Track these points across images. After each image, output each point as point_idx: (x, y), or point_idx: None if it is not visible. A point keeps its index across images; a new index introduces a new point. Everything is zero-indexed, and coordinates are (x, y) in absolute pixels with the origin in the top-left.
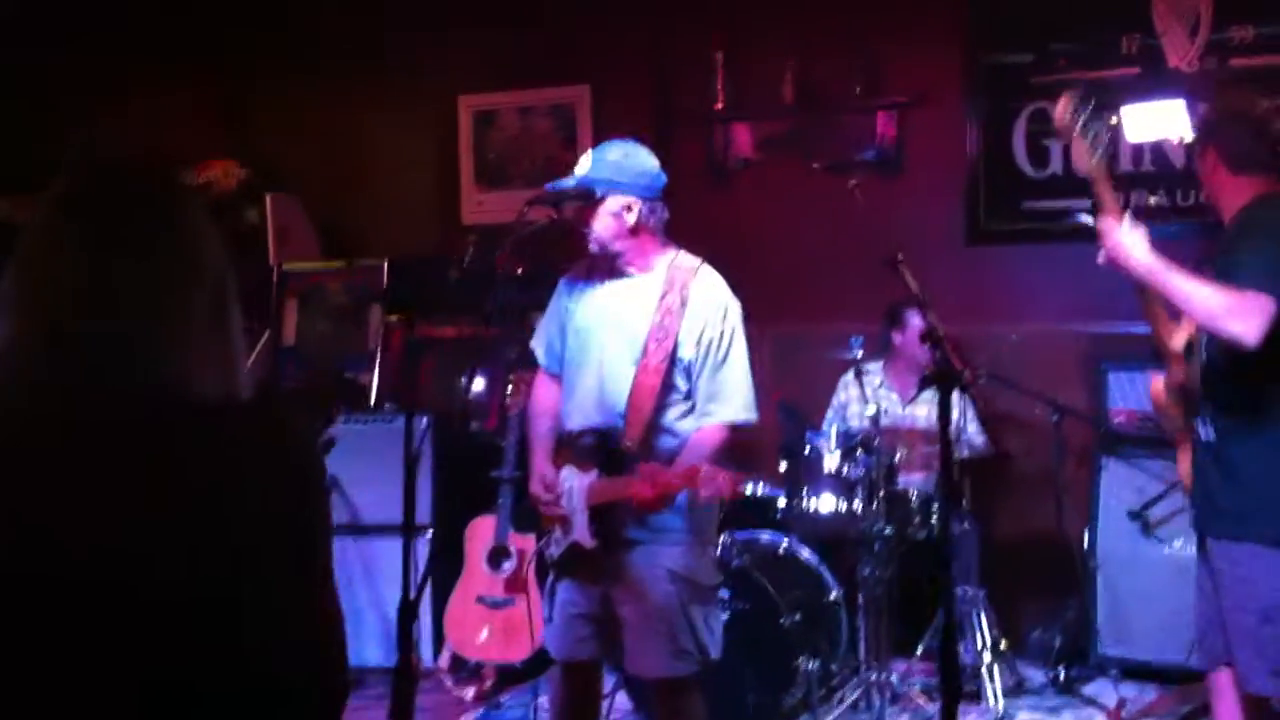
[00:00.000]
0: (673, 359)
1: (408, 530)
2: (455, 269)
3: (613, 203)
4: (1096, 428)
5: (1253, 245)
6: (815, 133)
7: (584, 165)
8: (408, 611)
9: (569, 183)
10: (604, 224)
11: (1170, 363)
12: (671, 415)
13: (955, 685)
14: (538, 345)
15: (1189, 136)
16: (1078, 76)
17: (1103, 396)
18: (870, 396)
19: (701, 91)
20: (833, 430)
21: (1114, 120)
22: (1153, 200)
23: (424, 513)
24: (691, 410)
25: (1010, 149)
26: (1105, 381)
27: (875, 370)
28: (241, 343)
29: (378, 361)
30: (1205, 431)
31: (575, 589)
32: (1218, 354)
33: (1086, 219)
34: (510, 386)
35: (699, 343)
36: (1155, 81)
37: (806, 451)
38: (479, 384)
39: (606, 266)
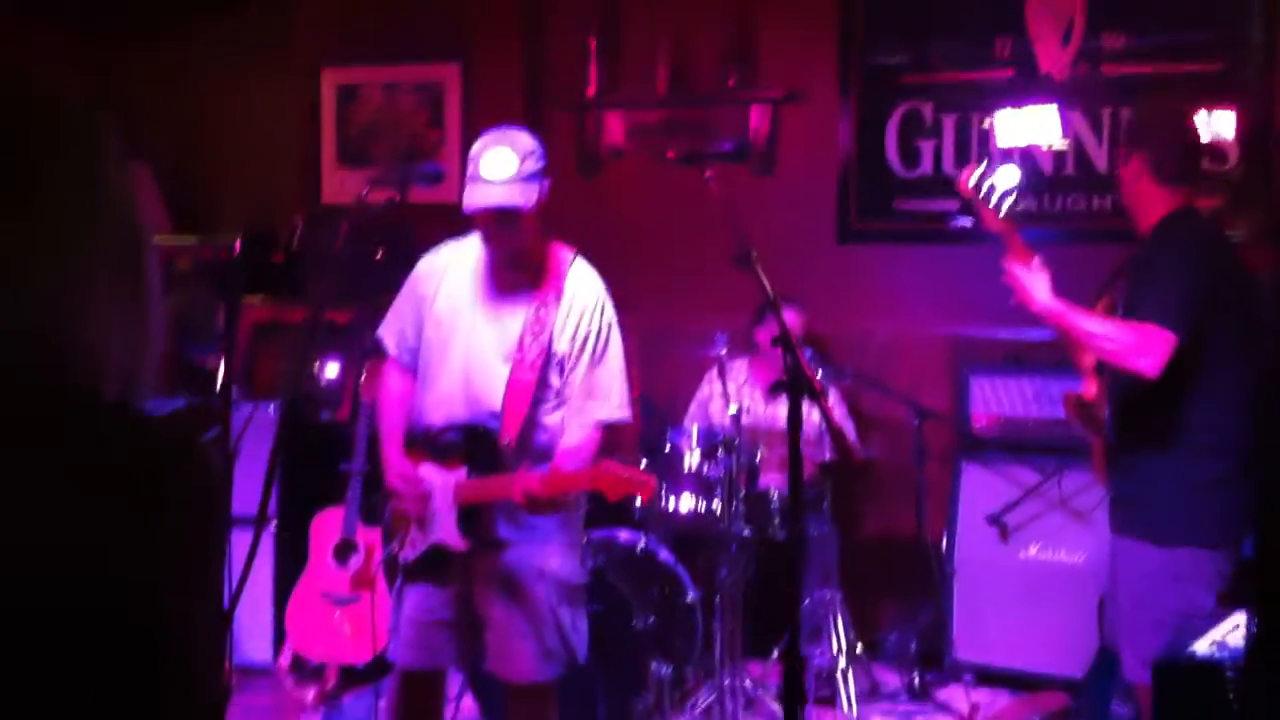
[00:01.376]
0: (548, 355)
1: (258, 528)
2: (281, 249)
3: (542, 197)
4: (957, 431)
5: (1162, 274)
6: (688, 124)
7: (505, 187)
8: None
9: (493, 197)
10: (531, 221)
11: (1085, 377)
12: (545, 412)
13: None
14: (387, 334)
15: (1058, 143)
16: (950, 78)
17: (964, 400)
18: (733, 395)
19: (574, 77)
20: (694, 428)
21: (1016, 178)
22: (1020, 205)
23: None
24: (561, 405)
25: (882, 148)
26: (967, 385)
27: (739, 368)
28: (157, 314)
29: (226, 345)
30: (1111, 435)
31: (431, 593)
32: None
33: (966, 222)
34: (364, 374)
35: (575, 338)
36: (1028, 87)
37: (667, 449)
38: (331, 370)
39: (476, 254)
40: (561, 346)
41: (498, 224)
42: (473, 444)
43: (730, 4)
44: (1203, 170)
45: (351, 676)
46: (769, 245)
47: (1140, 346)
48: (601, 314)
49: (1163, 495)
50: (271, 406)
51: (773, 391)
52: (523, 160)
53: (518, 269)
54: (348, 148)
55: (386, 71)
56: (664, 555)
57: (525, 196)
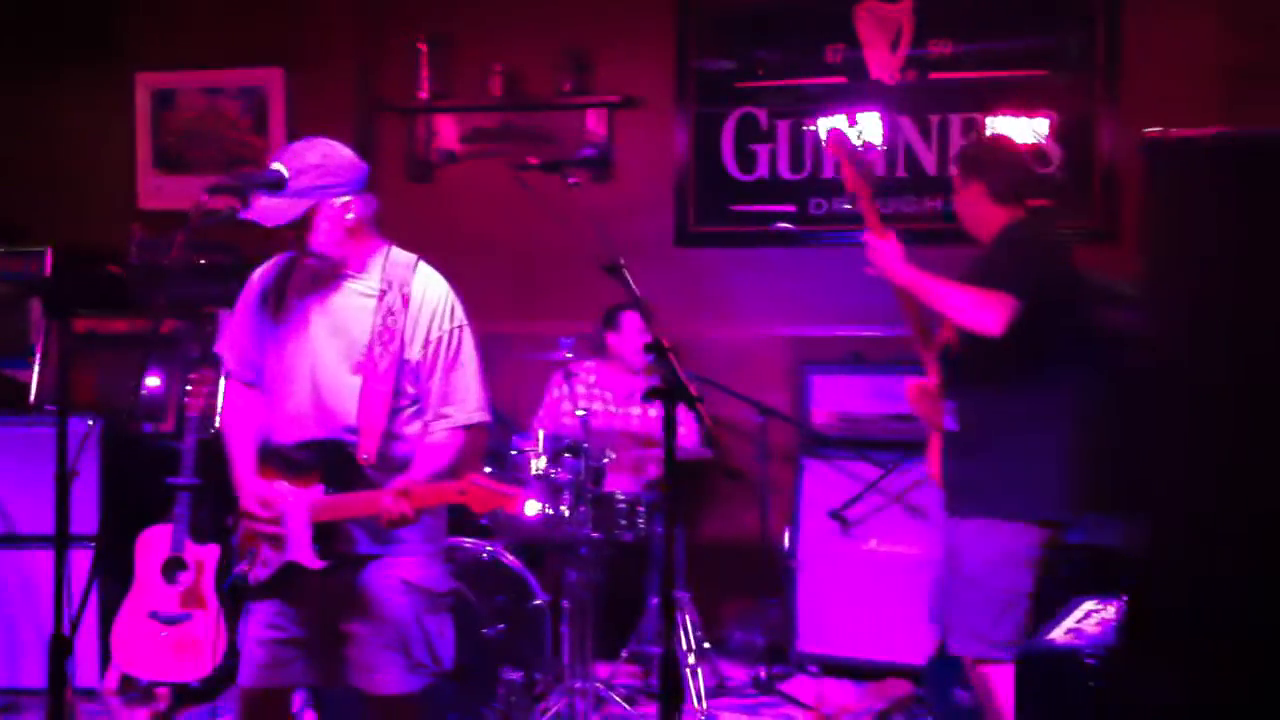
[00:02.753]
0: (400, 363)
1: (60, 548)
2: (117, 261)
3: (329, 208)
4: (799, 429)
5: (1005, 254)
6: (523, 129)
7: (278, 202)
8: (60, 645)
9: (254, 211)
10: (325, 233)
11: (926, 367)
12: (402, 421)
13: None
14: (227, 351)
15: (878, 144)
16: (783, 84)
17: (804, 398)
18: (583, 398)
19: (404, 81)
20: (540, 434)
21: (878, 143)
22: (848, 206)
23: (88, 523)
24: (419, 414)
25: (719, 153)
26: (807, 383)
27: (588, 371)
28: None
29: (39, 357)
30: (949, 422)
31: (281, 611)
32: (962, 356)
33: (786, 226)
34: (189, 386)
35: (426, 344)
36: (859, 93)
37: (513, 454)
38: (153, 383)
39: (314, 266)
40: (414, 354)
41: (297, 232)
42: (329, 460)
43: (566, 9)
44: (1033, 182)
45: (185, 696)
46: (618, 253)
47: (986, 305)
48: (451, 316)
49: (997, 474)
50: (90, 420)
51: (647, 398)
52: (312, 155)
53: (358, 278)
54: (165, 154)
55: (207, 76)
56: (510, 561)
57: (309, 182)
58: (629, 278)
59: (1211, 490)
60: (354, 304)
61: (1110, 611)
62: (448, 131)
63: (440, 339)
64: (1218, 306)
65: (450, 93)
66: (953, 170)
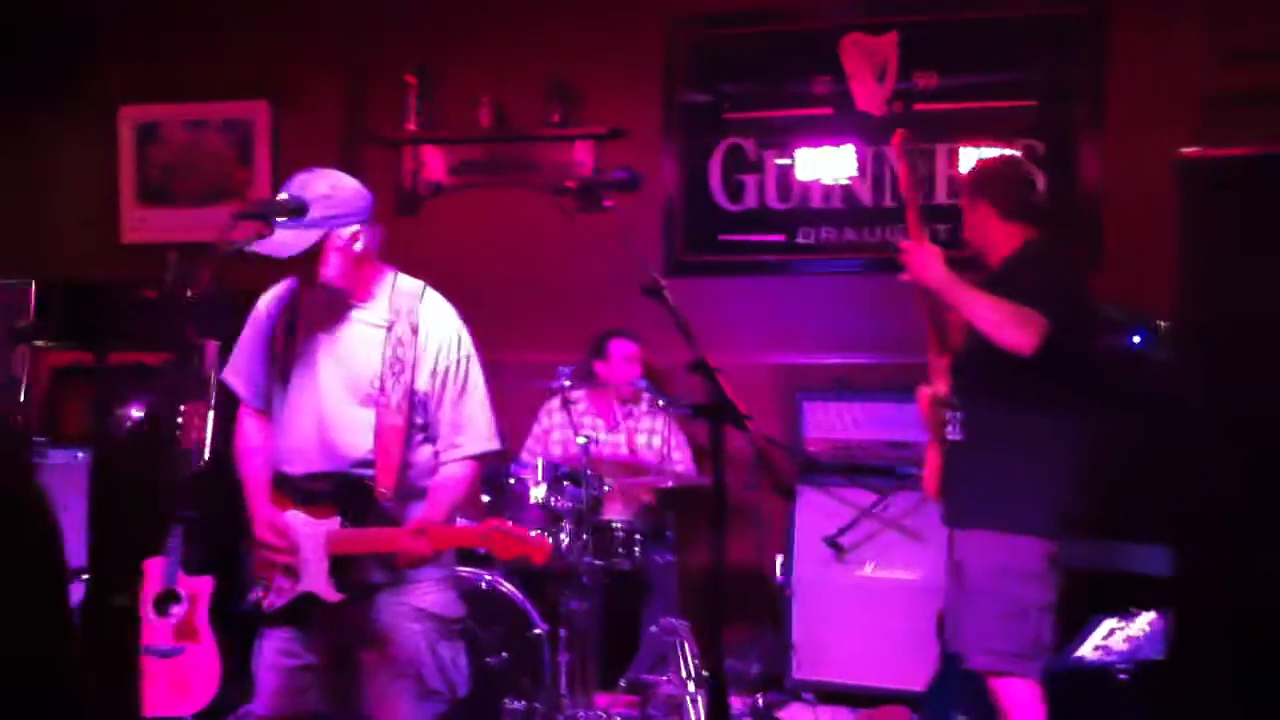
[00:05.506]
0: (411, 394)
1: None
2: (152, 289)
3: (337, 239)
4: (793, 456)
5: (1030, 273)
6: (511, 161)
7: (285, 234)
8: None
9: (278, 243)
10: (334, 264)
11: (935, 378)
12: (414, 451)
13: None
14: (235, 378)
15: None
16: (770, 115)
17: (798, 425)
18: (578, 426)
19: (392, 112)
20: (538, 462)
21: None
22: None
23: (78, 556)
24: (428, 440)
25: (706, 183)
26: (800, 411)
27: (579, 399)
28: None
29: (22, 391)
30: (954, 432)
31: (297, 639)
32: (974, 367)
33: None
34: (181, 419)
35: (435, 374)
36: (845, 124)
37: (512, 483)
38: (140, 414)
39: (320, 297)
40: (422, 384)
41: (305, 264)
42: (346, 493)
43: (553, 42)
44: (1037, 200)
45: None
46: (597, 280)
47: (1020, 322)
48: (459, 346)
49: (1003, 485)
50: (79, 454)
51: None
52: (320, 185)
53: (365, 308)
54: (148, 186)
55: (191, 109)
56: (508, 590)
57: (319, 212)
58: (669, 298)
59: (1252, 500)
60: (361, 335)
61: (1135, 628)
62: (435, 163)
63: (448, 368)
64: (1249, 320)
65: (438, 124)
66: (960, 194)
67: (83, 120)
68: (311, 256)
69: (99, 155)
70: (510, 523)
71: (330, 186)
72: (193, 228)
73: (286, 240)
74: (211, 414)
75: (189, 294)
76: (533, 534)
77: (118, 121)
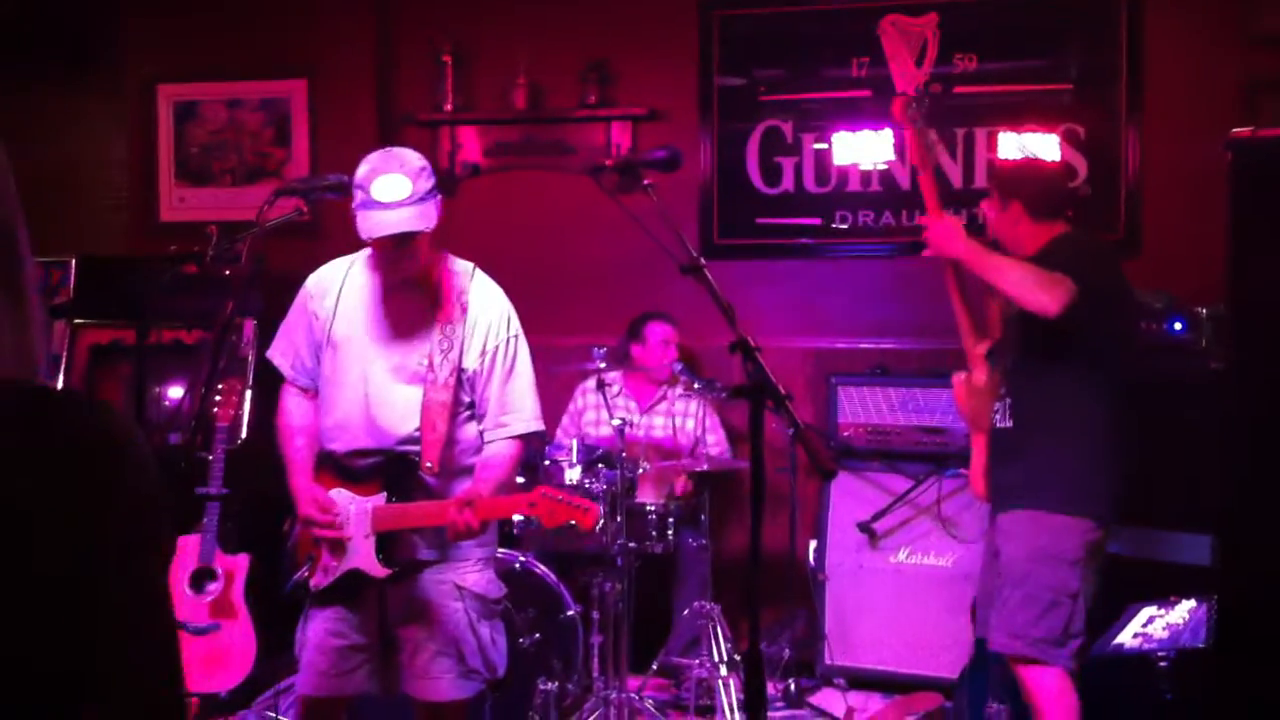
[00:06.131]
0: (459, 373)
1: None
2: (194, 264)
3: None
4: (827, 441)
5: (1061, 256)
6: (547, 142)
7: (402, 211)
8: None
9: (391, 224)
10: (425, 254)
11: (973, 366)
12: (460, 429)
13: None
14: (281, 357)
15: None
16: (808, 97)
17: (833, 410)
18: (612, 408)
19: (428, 93)
20: (573, 443)
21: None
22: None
23: None
24: (472, 419)
25: (744, 165)
26: (835, 395)
27: (614, 382)
28: (40, 312)
29: (63, 368)
30: (1003, 420)
31: (343, 618)
32: (1019, 355)
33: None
34: (217, 397)
35: (484, 353)
36: (883, 106)
37: (545, 464)
38: (176, 393)
39: (368, 273)
40: (470, 363)
41: (396, 249)
42: (392, 470)
43: (588, 22)
44: (1068, 196)
45: (212, 707)
46: (633, 263)
47: (1045, 283)
48: (508, 326)
49: (1047, 469)
50: None
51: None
52: (415, 181)
53: (415, 288)
54: (187, 165)
55: (229, 88)
56: (542, 571)
57: (425, 219)
58: (710, 277)
59: None
60: (411, 313)
61: (1175, 616)
62: (471, 144)
63: (497, 348)
64: None
65: (474, 105)
66: (990, 194)
67: (122, 100)
68: (408, 237)
69: (138, 135)
70: (556, 489)
71: (423, 160)
72: (231, 207)
73: (413, 218)
74: (249, 392)
75: (227, 272)
76: (578, 497)
77: (156, 101)
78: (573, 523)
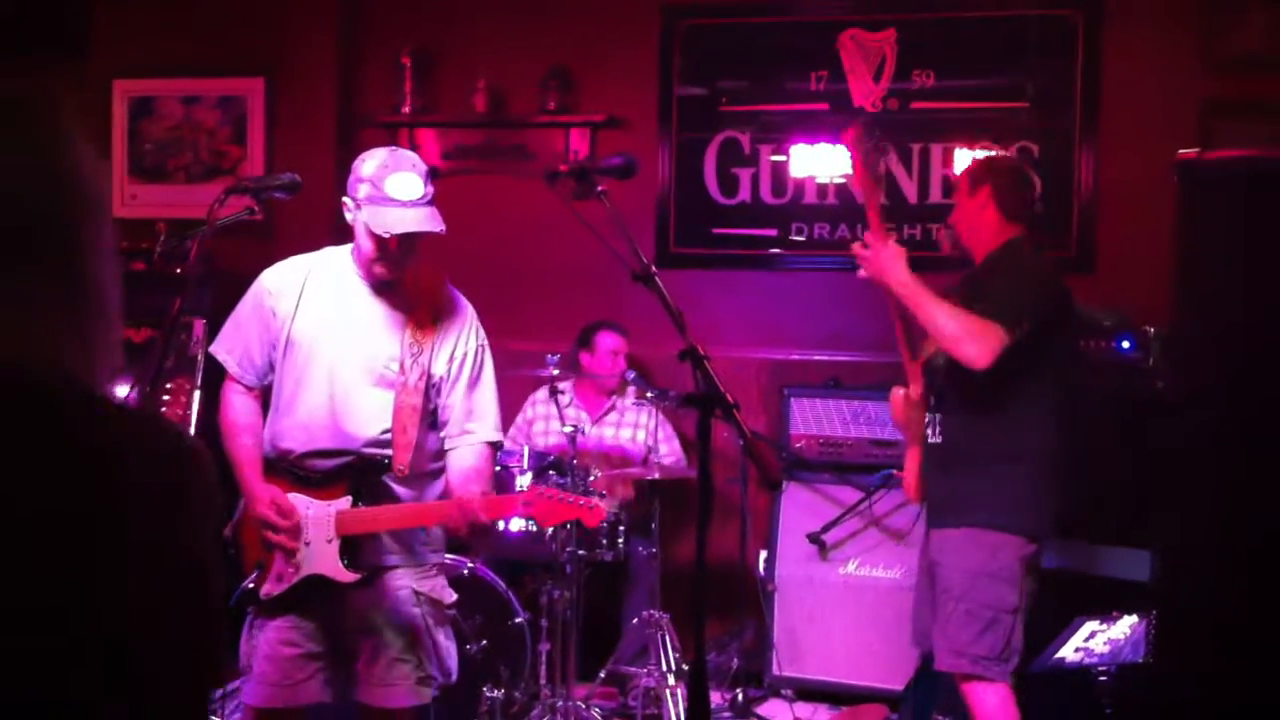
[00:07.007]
0: (429, 377)
1: None
2: (142, 261)
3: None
4: (779, 452)
5: (1000, 280)
6: (507, 146)
7: (421, 210)
8: None
9: (410, 221)
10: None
11: (911, 380)
12: (427, 435)
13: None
14: (228, 354)
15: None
16: (766, 109)
17: (786, 421)
18: (564, 417)
19: (387, 95)
20: (524, 449)
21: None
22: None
23: None
24: (436, 427)
25: (701, 175)
26: (788, 407)
27: (565, 389)
28: (111, 309)
29: None
30: (933, 435)
31: (296, 626)
32: (949, 371)
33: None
34: (166, 396)
35: (451, 360)
36: (841, 120)
37: (497, 470)
38: (120, 392)
39: (334, 273)
40: (439, 369)
41: (401, 248)
42: (358, 473)
43: (551, 28)
44: (1034, 205)
45: None
46: (587, 270)
47: (976, 336)
48: (476, 335)
49: (980, 487)
50: None
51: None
52: (426, 181)
53: (388, 290)
54: (141, 162)
55: (186, 84)
56: (491, 578)
57: (439, 221)
58: (660, 285)
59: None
60: (381, 317)
61: (1116, 631)
62: (430, 147)
63: (465, 355)
64: (1246, 322)
65: (434, 109)
66: (959, 183)
67: (80, 95)
68: (419, 237)
69: (91, 129)
70: (552, 489)
71: (424, 172)
72: (183, 204)
73: (432, 216)
74: (198, 392)
75: (177, 270)
76: (578, 496)
77: (111, 96)
78: (577, 521)
